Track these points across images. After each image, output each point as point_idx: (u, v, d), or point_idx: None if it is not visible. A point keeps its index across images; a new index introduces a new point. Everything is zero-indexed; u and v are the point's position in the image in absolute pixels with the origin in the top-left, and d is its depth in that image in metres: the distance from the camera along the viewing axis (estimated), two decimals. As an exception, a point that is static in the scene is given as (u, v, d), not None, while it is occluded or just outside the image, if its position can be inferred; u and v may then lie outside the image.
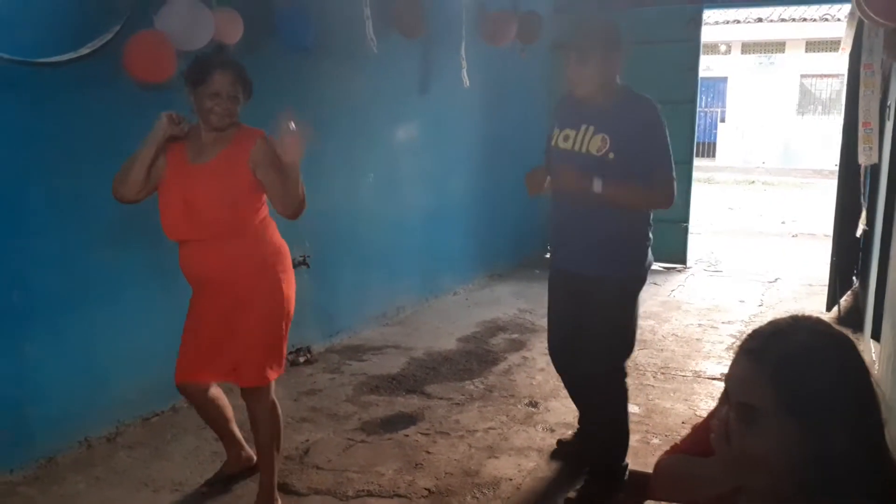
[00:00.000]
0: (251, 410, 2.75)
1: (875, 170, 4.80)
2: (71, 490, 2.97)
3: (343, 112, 4.75)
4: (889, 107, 4.38)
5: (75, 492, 2.96)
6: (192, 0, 3.36)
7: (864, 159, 4.48)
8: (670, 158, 2.81)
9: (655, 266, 7.03)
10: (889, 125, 4.32)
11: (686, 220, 7.14)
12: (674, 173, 2.82)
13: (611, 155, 2.75)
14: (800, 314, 1.25)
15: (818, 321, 1.23)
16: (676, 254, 7.19)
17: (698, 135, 19.52)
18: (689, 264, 7.25)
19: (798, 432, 1.13)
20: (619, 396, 3.04)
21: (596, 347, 2.96)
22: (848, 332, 4.97)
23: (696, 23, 6.74)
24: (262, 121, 3.51)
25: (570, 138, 2.89)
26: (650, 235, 2.99)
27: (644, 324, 5.29)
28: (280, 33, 4.03)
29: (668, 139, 2.81)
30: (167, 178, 2.61)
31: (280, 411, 2.82)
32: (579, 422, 3.40)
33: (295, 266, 4.35)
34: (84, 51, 3.11)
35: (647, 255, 2.99)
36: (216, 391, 2.86)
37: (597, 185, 2.74)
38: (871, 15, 3.37)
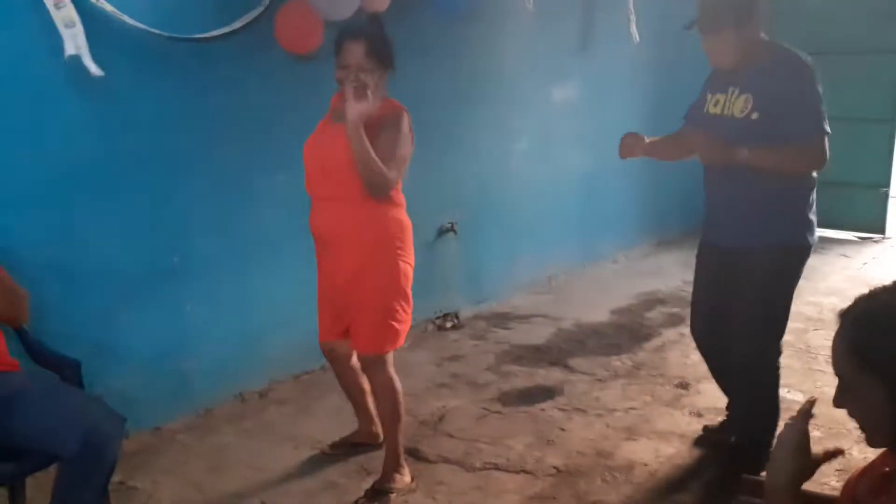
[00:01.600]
0: (369, 380, 2.80)
1: None
2: (222, 441, 3.20)
3: (496, 76, 4.65)
4: None
5: (226, 442, 3.18)
6: (337, -29, 3.39)
7: None
8: (821, 115, 2.56)
9: (847, 235, 6.45)
10: None
11: (887, 184, 6.35)
12: (826, 130, 2.56)
13: (754, 115, 2.57)
14: None
15: None
16: (874, 222, 6.47)
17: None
18: (888, 234, 6.47)
19: (880, 388, 1.12)
20: (770, 382, 2.83)
21: (745, 330, 2.76)
22: None
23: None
24: (413, 88, 3.53)
25: (719, 103, 2.74)
26: (813, 199, 2.72)
27: (825, 301, 4.81)
28: (433, -1, 3.97)
29: (820, 94, 2.57)
30: (312, 136, 2.68)
31: (399, 387, 2.76)
32: (728, 409, 3.15)
33: (443, 233, 4.43)
34: (237, 25, 3.25)
35: (807, 224, 2.72)
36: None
37: (742, 155, 2.53)
38: None
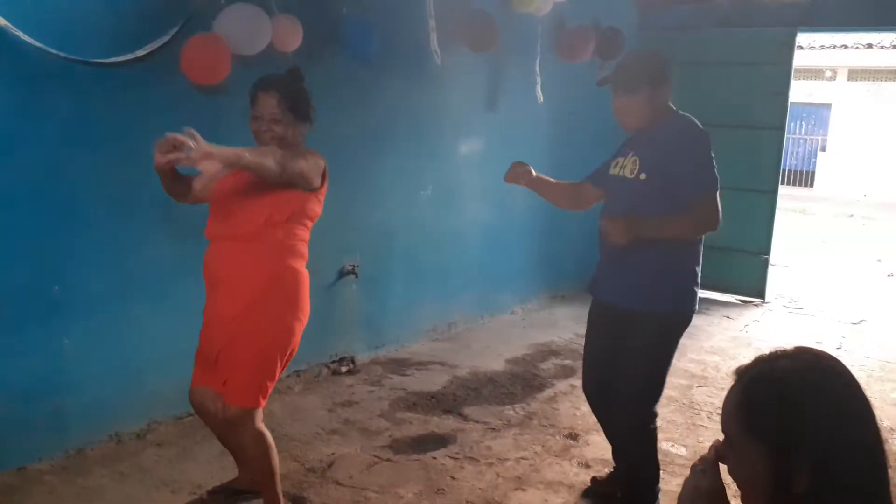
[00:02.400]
0: (237, 435, 2.64)
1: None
2: (94, 483, 3.00)
3: (404, 125, 4.70)
4: None
5: (98, 485, 2.99)
6: (251, 5, 3.38)
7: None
8: (713, 177, 2.66)
9: (730, 298, 6.80)
10: None
11: (767, 251, 6.74)
12: (717, 192, 2.66)
13: (642, 176, 2.67)
14: (806, 346, 1.18)
15: (819, 353, 1.16)
16: (754, 287, 6.81)
17: (795, 163, 18.78)
18: (767, 299, 6.85)
19: (761, 456, 1.10)
20: (647, 443, 2.86)
21: (628, 389, 2.81)
22: None
23: (789, 46, 6.37)
24: (323, 131, 3.51)
25: (618, 165, 2.86)
26: (698, 270, 2.82)
27: (708, 359, 5.03)
28: (343, 44, 4.00)
29: (712, 157, 2.67)
30: (224, 178, 2.62)
31: (270, 443, 2.63)
32: (614, 459, 3.22)
33: (343, 275, 4.39)
34: (140, 52, 3.17)
35: (694, 292, 2.81)
36: None
37: (642, 230, 2.63)
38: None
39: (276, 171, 2.39)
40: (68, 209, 3.07)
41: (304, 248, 2.63)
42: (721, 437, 1.24)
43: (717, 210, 2.65)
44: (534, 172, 3.03)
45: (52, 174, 3.00)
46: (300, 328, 2.60)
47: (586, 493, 3.18)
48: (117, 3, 3.17)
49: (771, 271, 6.90)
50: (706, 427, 3.87)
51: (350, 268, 4.40)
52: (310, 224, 2.65)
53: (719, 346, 5.39)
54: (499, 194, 5.66)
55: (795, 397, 1.11)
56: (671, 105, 2.81)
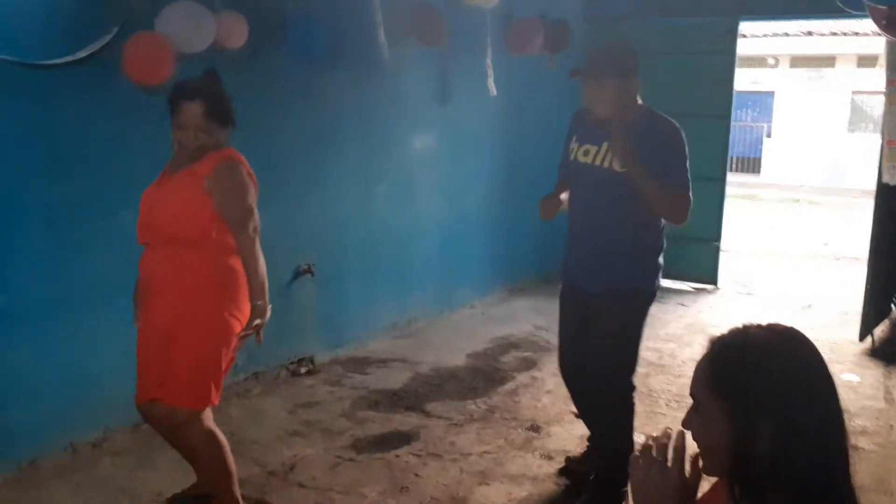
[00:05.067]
0: (185, 438, 2.59)
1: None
2: (48, 496, 2.92)
3: (355, 121, 4.67)
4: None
5: (53, 498, 2.91)
6: (193, 3, 3.31)
7: (887, 177, 4.29)
8: (688, 180, 2.81)
9: (684, 286, 6.92)
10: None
11: (718, 238, 6.88)
12: (690, 194, 2.81)
13: (624, 169, 2.77)
14: (778, 323, 1.24)
15: (788, 328, 1.22)
16: (707, 274, 6.94)
17: (742, 150, 19.17)
18: (719, 285, 6.99)
19: (726, 416, 1.15)
20: (626, 412, 2.98)
21: (604, 363, 2.93)
22: (880, 364, 4.82)
23: (733, 35, 6.50)
24: (271, 128, 3.47)
25: (590, 153, 2.91)
26: (661, 248, 2.98)
27: (664, 347, 5.11)
28: (289, 40, 3.95)
29: (688, 162, 2.82)
30: (151, 185, 2.63)
31: (222, 441, 2.60)
32: (589, 440, 3.27)
33: (299, 274, 4.34)
34: (81, 54, 3.08)
35: (658, 269, 2.98)
36: None
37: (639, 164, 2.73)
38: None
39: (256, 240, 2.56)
40: (10, 216, 2.97)
41: (232, 243, 2.58)
42: (679, 426, 1.27)
43: (689, 205, 2.80)
44: (563, 202, 3.03)
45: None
46: (238, 325, 2.55)
47: (561, 473, 3.24)
48: (57, 2, 3.07)
49: (722, 258, 7.05)
50: (664, 415, 3.93)
51: (305, 267, 4.35)
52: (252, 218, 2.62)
53: (675, 333, 5.49)
54: (454, 188, 5.68)
55: (762, 360, 1.16)
56: (640, 101, 2.90)
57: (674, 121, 2.87)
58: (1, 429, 3.00)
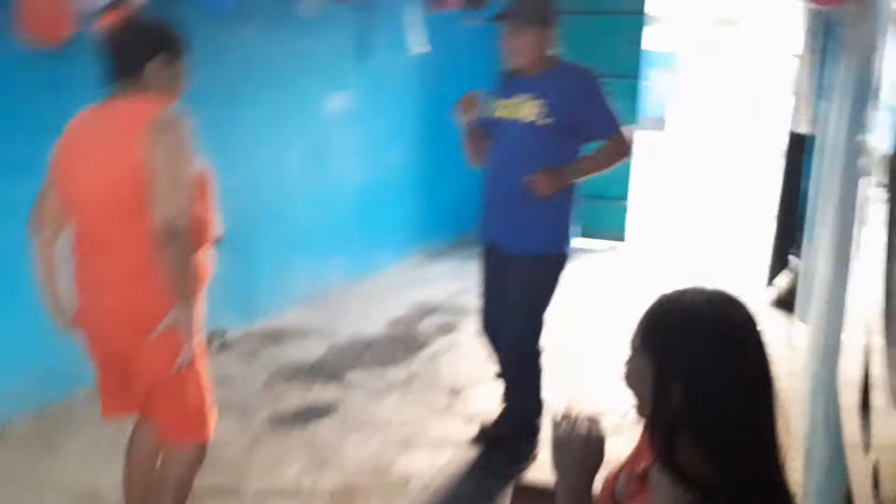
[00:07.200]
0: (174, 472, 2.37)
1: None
2: (-58, 495, 2.74)
3: (267, 81, 4.47)
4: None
5: (-53, 497, 2.74)
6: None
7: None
8: (615, 117, 2.88)
9: (594, 245, 7.05)
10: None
11: (625, 196, 7.03)
12: (623, 129, 2.89)
13: (548, 120, 2.81)
14: (722, 290, 1.26)
15: (729, 296, 1.25)
16: (614, 231, 7.10)
17: (649, 109, 19.56)
18: (627, 242, 7.16)
19: (651, 371, 1.20)
20: (535, 376, 3.06)
21: (516, 330, 2.99)
22: (781, 313, 5.05)
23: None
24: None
25: (507, 108, 2.92)
26: (573, 213, 3.03)
27: (576, 306, 5.18)
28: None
29: (608, 98, 2.89)
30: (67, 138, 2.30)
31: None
32: (504, 400, 3.27)
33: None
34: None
35: (570, 234, 3.03)
36: None
37: (569, 176, 2.88)
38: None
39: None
40: None
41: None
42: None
43: (627, 141, 2.90)
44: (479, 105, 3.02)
45: None
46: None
47: (476, 440, 3.25)
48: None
49: (630, 215, 7.20)
50: (578, 374, 4.01)
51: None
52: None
53: (586, 292, 5.59)
54: (371, 150, 5.55)
55: (684, 321, 1.21)
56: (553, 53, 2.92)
57: (586, 66, 2.92)
58: None
